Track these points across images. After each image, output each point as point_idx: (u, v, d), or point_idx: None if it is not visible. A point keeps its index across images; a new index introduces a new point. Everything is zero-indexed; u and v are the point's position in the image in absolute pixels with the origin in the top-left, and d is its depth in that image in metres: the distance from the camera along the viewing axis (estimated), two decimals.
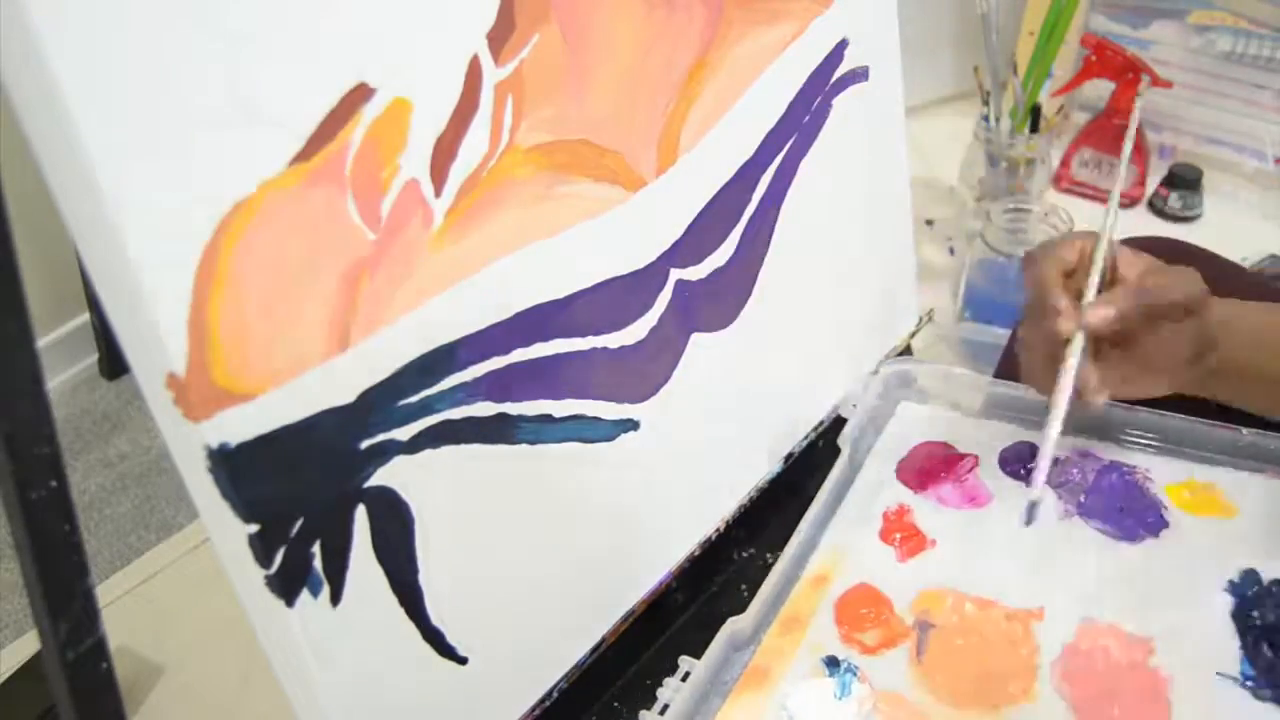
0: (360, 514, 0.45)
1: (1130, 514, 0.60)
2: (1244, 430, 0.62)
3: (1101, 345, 0.56)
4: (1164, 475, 0.63)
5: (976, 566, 0.59)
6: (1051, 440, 0.52)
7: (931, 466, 0.65)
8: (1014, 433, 0.67)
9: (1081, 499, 0.62)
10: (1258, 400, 0.62)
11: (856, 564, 0.60)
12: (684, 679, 0.55)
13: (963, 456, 0.66)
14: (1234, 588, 0.56)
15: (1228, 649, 0.53)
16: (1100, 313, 0.54)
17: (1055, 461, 0.63)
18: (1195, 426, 0.63)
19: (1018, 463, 0.65)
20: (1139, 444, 0.64)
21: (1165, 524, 0.60)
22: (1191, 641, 0.53)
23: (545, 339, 0.53)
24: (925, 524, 0.62)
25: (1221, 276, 0.72)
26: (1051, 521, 0.61)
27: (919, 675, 0.53)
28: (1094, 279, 0.56)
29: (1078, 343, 0.54)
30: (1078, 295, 0.56)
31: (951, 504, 0.63)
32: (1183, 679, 0.52)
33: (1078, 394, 0.54)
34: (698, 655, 0.68)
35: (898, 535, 0.61)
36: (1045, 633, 0.55)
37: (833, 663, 0.54)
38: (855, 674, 0.53)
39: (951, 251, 1.08)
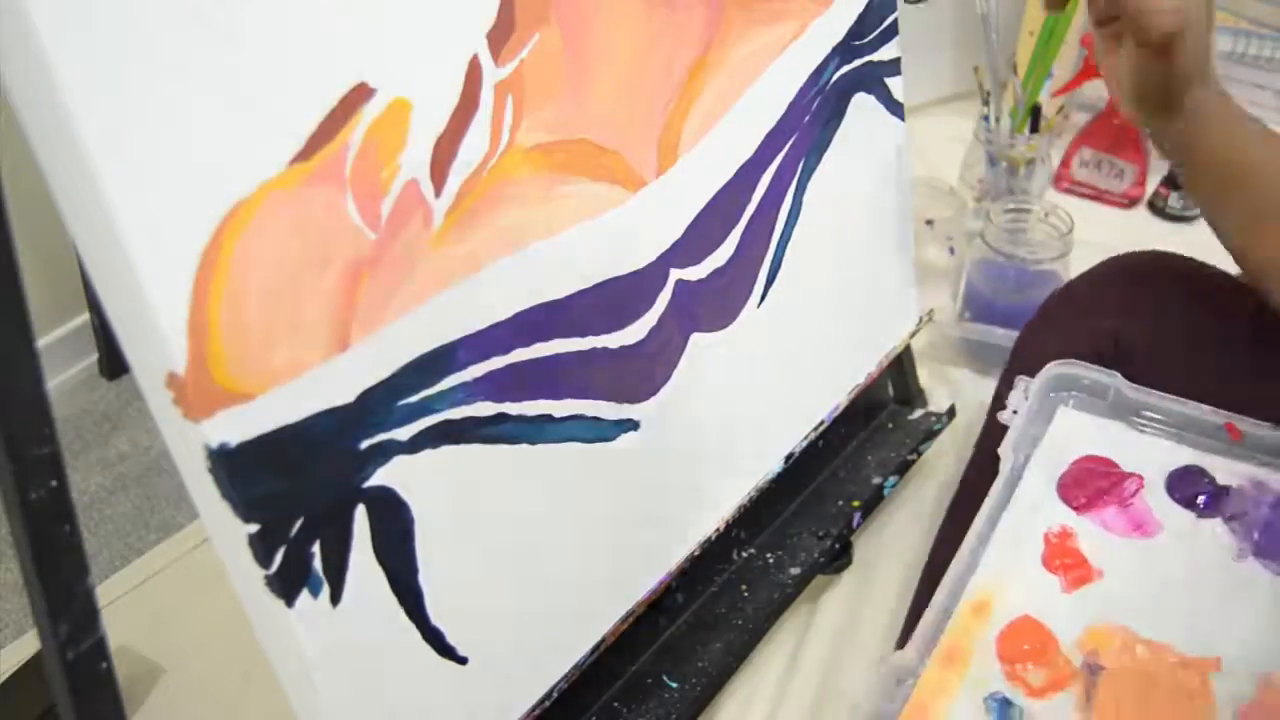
0: (360, 514, 0.45)
1: None
2: None
3: None
4: None
5: (1146, 604, 0.55)
6: None
7: (1094, 486, 0.61)
8: (1180, 453, 0.63)
9: (1256, 536, 0.58)
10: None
11: (1019, 592, 0.56)
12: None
13: (1127, 476, 0.62)
14: None
15: None
16: None
17: (1226, 490, 0.60)
18: None
19: (1189, 489, 0.61)
20: None
21: None
22: None
23: (545, 339, 0.53)
24: (1090, 551, 0.58)
25: (1210, 284, 0.73)
26: (1226, 559, 0.57)
27: None
28: None
29: None
30: None
31: (1117, 531, 0.59)
32: None
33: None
34: (694, 657, 0.68)
35: (1061, 562, 0.57)
36: (1222, 686, 0.51)
37: (1001, 703, 0.51)
38: (1022, 717, 0.50)
39: (951, 251, 1.08)
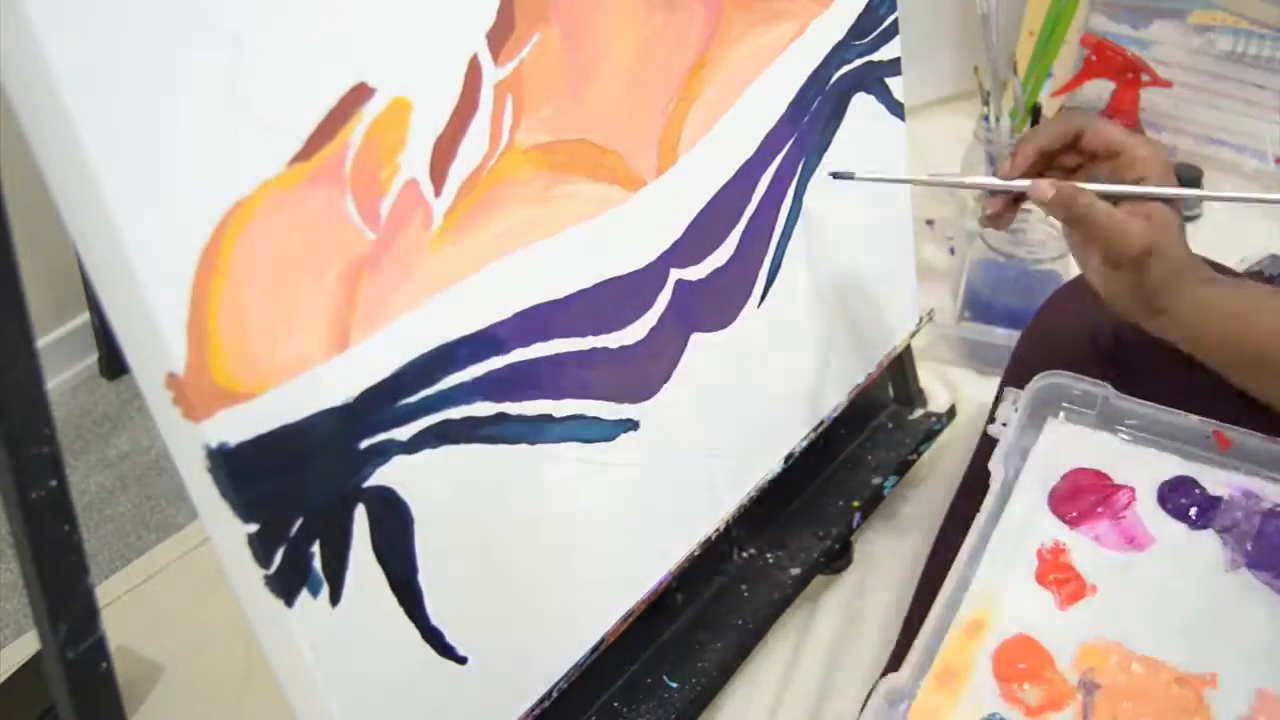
0: (360, 514, 0.45)
1: None
2: None
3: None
4: None
5: (1141, 620, 0.55)
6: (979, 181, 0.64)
7: (1086, 499, 0.61)
8: (1170, 463, 0.62)
9: (1248, 547, 0.57)
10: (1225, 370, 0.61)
11: (1013, 609, 0.56)
12: None
13: (1118, 489, 0.61)
14: None
15: None
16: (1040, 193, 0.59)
17: (1217, 501, 0.60)
18: None
19: (1181, 500, 0.60)
20: None
21: None
22: None
23: (545, 339, 0.53)
24: (1083, 566, 0.57)
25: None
26: (1219, 572, 0.57)
27: None
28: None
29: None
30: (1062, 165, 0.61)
31: (1110, 545, 0.59)
32: None
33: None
34: (694, 657, 0.68)
35: (1055, 578, 0.57)
36: (1218, 702, 0.51)
37: None
38: None
39: (951, 251, 1.08)
